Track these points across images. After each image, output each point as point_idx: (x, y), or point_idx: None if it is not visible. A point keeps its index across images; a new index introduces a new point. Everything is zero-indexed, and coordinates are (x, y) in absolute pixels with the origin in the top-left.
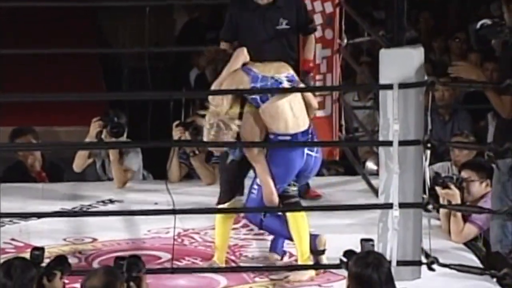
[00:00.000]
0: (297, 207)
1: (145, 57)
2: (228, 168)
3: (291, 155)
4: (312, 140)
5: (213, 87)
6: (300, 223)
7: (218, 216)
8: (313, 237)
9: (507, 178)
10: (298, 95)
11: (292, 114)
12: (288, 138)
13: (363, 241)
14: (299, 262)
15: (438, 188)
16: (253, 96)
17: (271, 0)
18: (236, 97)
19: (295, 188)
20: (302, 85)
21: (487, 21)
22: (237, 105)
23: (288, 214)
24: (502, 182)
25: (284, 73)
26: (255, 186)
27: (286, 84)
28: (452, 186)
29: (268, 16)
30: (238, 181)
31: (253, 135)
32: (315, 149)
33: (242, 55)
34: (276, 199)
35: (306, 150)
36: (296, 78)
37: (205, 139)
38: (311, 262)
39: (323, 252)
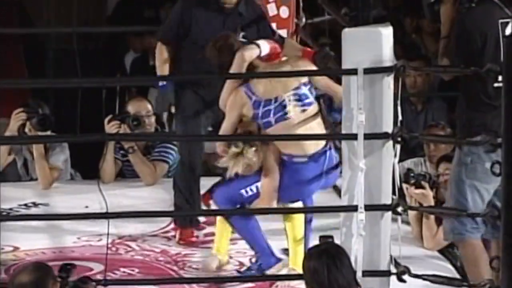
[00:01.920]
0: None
1: (73, 38)
2: None
3: (305, 177)
4: (330, 161)
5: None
6: (297, 229)
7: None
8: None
9: (470, 159)
10: (308, 114)
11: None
12: (305, 159)
13: (322, 238)
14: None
15: (407, 187)
16: (261, 121)
17: (234, 4)
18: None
19: None
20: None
21: None
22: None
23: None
24: (464, 163)
25: (292, 89)
26: (253, 189)
27: (292, 107)
28: (426, 186)
29: (228, 24)
30: None
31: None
32: (336, 172)
33: (243, 61)
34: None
35: (325, 174)
36: (310, 89)
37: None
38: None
39: None
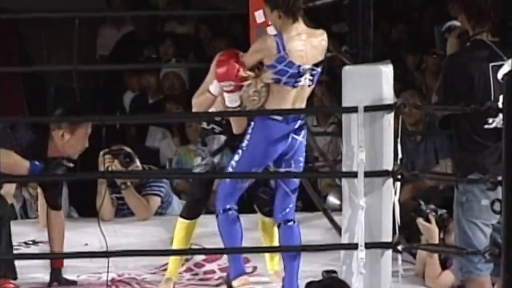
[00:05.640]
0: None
1: (74, 76)
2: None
3: (274, 135)
4: (302, 128)
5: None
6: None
7: (179, 222)
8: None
9: (465, 198)
10: (310, 89)
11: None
12: (280, 118)
13: (325, 272)
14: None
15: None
16: (274, 75)
17: None
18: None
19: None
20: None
21: (454, 23)
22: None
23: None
24: (460, 202)
25: (314, 63)
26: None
27: (304, 79)
28: (433, 221)
29: None
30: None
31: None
32: (302, 133)
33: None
34: None
35: (292, 134)
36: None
37: (248, 104)
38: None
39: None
